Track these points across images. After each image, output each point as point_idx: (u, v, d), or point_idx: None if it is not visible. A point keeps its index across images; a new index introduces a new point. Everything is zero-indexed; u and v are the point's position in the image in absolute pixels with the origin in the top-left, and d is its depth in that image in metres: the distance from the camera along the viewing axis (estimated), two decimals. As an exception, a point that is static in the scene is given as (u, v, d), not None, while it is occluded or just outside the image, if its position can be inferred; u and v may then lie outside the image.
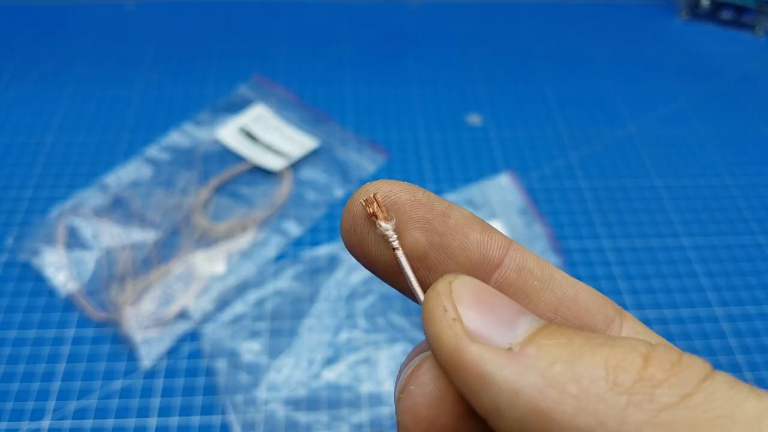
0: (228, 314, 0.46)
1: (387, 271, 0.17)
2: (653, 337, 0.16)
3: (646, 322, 0.46)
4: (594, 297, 0.17)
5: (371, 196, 0.16)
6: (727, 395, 0.12)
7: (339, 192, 0.54)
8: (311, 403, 0.41)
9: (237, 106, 0.62)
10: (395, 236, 0.16)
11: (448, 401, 0.14)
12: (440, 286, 0.14)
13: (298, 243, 0.51)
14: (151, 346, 0.44)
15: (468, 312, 0.14)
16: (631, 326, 0.17)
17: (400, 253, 0.16)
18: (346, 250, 0.17)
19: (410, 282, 0.16)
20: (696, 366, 0.12)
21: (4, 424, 0.40)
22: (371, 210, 0.16)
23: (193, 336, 0.45)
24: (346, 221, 0.17)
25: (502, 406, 0.13)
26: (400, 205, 0.16)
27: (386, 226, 0.16)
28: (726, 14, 0.75)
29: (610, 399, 0.12)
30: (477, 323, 0.14)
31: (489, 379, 0.13)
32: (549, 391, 0.12)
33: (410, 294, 0.17)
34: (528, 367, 0.13)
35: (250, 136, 0.58)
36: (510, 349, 0.13)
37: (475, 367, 0.13)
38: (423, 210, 0.16)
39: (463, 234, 0.16)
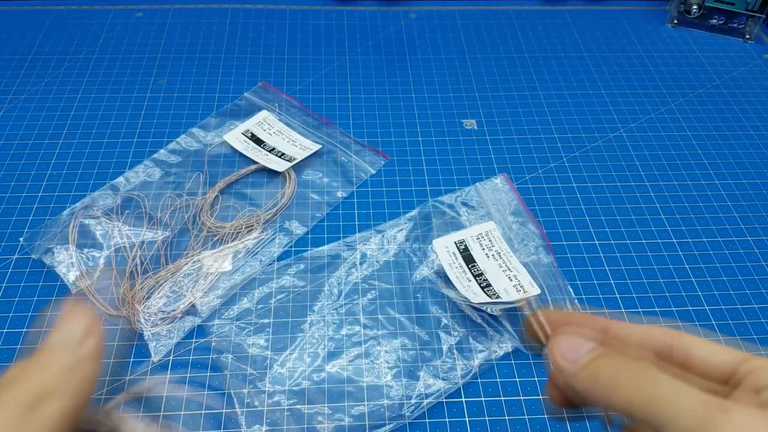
0: (234, 310, 0.47)
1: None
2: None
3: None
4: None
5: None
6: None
7: (340, 193, 0.56)
8: (314, 396, 0.43)
9: (243, 112, 0.63)
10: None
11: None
12: None
13: (301, 242, 0.52)
14: (159, 342, 0.45)
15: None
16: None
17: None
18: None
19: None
20: None
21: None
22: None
23: (200, 331, 0.46)
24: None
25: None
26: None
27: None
28: (715, 20, 0.77)
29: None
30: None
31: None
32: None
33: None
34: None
35: (256, 140, 0.60)
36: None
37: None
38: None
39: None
